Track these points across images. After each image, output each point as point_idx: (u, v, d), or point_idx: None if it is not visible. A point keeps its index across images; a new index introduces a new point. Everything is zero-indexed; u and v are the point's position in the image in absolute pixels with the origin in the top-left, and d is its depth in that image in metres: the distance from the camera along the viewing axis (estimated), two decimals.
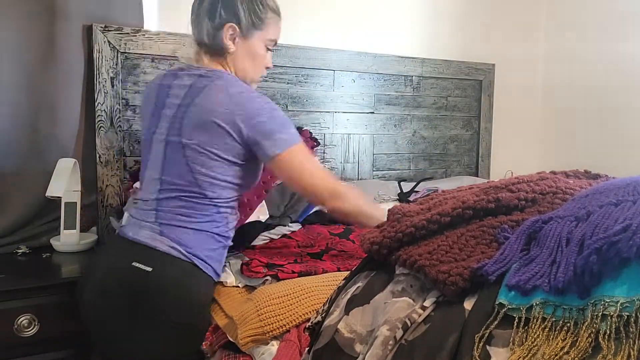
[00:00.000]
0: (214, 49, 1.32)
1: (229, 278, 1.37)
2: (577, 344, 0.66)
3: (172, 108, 1.28)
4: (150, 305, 1.17)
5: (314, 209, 1.80)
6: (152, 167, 1.30)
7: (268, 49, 1.38)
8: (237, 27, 1.30)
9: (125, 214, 1.61)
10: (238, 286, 1.35)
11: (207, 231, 1.25)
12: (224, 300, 1.32)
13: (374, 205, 1.45)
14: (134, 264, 1.18)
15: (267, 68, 1.41)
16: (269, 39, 1.37)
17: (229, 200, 1.29)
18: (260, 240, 1.62)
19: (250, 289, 1.34)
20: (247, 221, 1.60)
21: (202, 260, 1.24)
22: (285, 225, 1.69)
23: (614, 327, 0.64)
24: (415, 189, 2.23)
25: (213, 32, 1.30)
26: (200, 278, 1.24)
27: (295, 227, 1.73)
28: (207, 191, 1.24)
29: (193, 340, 1.27)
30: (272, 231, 1.66)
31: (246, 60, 1.34)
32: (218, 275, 1.31)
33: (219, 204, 1.26)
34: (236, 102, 1.22)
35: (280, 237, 1.65)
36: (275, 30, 1.38)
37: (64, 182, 1.64)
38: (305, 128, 2.08)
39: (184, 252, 1.21)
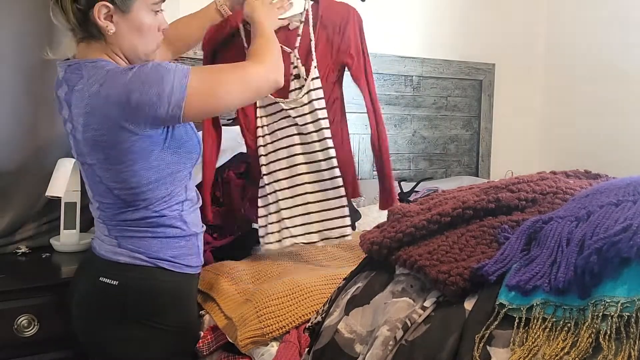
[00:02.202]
0: (89, 34, 1.10)
1: None
2: (578, 344, 0.66)
3: (67, 122, 1.14)
4: (129, 317, 1.15)
5: None
6: (86, 184, 1.22)
7: (156, 12, 1.16)
8: (109, 4, 1.07)
9: None
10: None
11: (165, 237, 1.17)
12: (223, 301, 1.31)
13: (270, 43, 1.27)
14: (100, 279, 1.14)
15: (164, 29, 1.19)
16: (153, 2, 1.13)
17: (169, 197, 1.16)
18: (260, 249, 1.61)
19: (249, 288, 1.34)
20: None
21: (168, 261, 1.17)
22: None
23: (614, 327, 0.64)
24: (415, 189, 2.23)
25: (81, 15, 1.08)
26: (172, 278, 1.18)
27: None
28: (137, 202, 1.13)
29: (185, 340, 1.25)
30: None
31: (133, 36, 1.12)
32: (195, 266, 1.24)
33: (161, 208, 1.15)
34: (102, 101, 1.04)
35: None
36: None
37: (64, 182, 1.63)
38: None
39: (146, 258, 1.15)
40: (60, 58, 1.19)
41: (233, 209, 1.58)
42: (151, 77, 1.04)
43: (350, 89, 2.31)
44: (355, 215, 1.92)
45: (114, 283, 1.14)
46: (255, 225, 1.60)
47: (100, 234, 1.21)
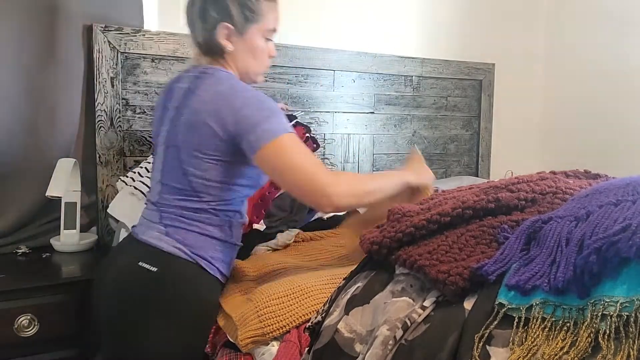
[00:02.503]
0: (212, 50, 1.28)
1: None
2: (577, 343, 0.66)
3: (172, 111, 1.27)
4: (157, 305, 1.17)
5: (314, 217, 1.79)
6: (156, 170, 1.31)
7: (268, 39, 1.32)
8: (231, 26, 1.25)
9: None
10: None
11: (210, 236, 1.24)
12: (224, 300, 1.31)
13: (376, 177, 1.30)
14: (140, 263, 1.18)
15: (271, 57, 1.35)
16: (267, 29, 1.30)
17: (229, 202, 1.26)
18: (261, 251, 1.61)
19: (250, 288, 1.34)
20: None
21: (207, 261, 1.22)
22: (283, 232, 1.69)
23: (613, 327, 0.64)
24: None
25: (207, 33, 1.26)
26: (205, 279, 1.23)
27: (294, 231, 1.73)
28: (203, 194, 1.22)
29: (202, 340, 1.26)
30: (273, 241, 1.65)
31: (247, 56, 1.29)
32: (225, 275, 1.30)
33: (219, 208, 1.24)
34: (222, 98, 1.19)
35: (283, 249, 1.65)
36: (272, 19, 1.30)
37: (64, 182, 1.64)
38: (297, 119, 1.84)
39: (188, 252, 1.21)
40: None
41: None
42: (265, 110, 1.17)
43: (349, 89, 2.32)
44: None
45: (153, 269, 1.17)
46: (256, 226, 1.60)
47: (147, 221, 1.27)
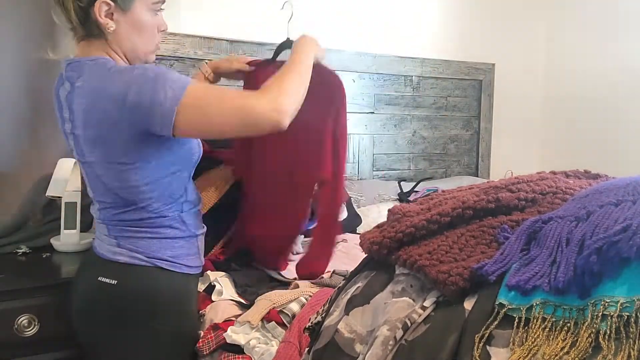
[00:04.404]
0: (91, 33, 1.10)
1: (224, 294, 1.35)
2: (577, 344, 0.66)
3: (67, 123, 1.15)
4: (128, 317, 1.15)
5: (312, 226, 1.79)
6: (86, 183, 1.22)
7: (157, 12, 1.16)
8: (110, 2, 1.07)
9: None
10: (232, 299, 1.35)
11: (163, 237, 1.17)
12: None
13: (292, 70, 1.15)
14: (100, 278, 1.15)
15: (162, 31, 1.19)
16: (153, 1, 1.13)
17: (169, 197, 1.16)
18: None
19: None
20: None
21: (167, 261, 1.17)
22: None
23: (614, 327, 0.64)
24: (415, 189, 2.23)
25: (82, 12, 1.08)
26: (171, 278, 1.18)
27: None
28: (138, 201, 1.13)
29: (186, 340, 1.25)
30: None
31: (132, 35, 1.12)
32: (194, 267, 1.24)
33: (161, 209, 1.16)
34: (101, 97, 1.04)
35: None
36: None
37: (64, 182, 1.64)
38: None
39: (144, 258, 1.15)
40: (61, 58, 1.19)
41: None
42: (149, 83, 1.02)
43: (349, 89, 2.32)
44: (355, 219, 1.92)
45: (113, 282, 1.14)
46: None
47: (100, 234, 1.22)
